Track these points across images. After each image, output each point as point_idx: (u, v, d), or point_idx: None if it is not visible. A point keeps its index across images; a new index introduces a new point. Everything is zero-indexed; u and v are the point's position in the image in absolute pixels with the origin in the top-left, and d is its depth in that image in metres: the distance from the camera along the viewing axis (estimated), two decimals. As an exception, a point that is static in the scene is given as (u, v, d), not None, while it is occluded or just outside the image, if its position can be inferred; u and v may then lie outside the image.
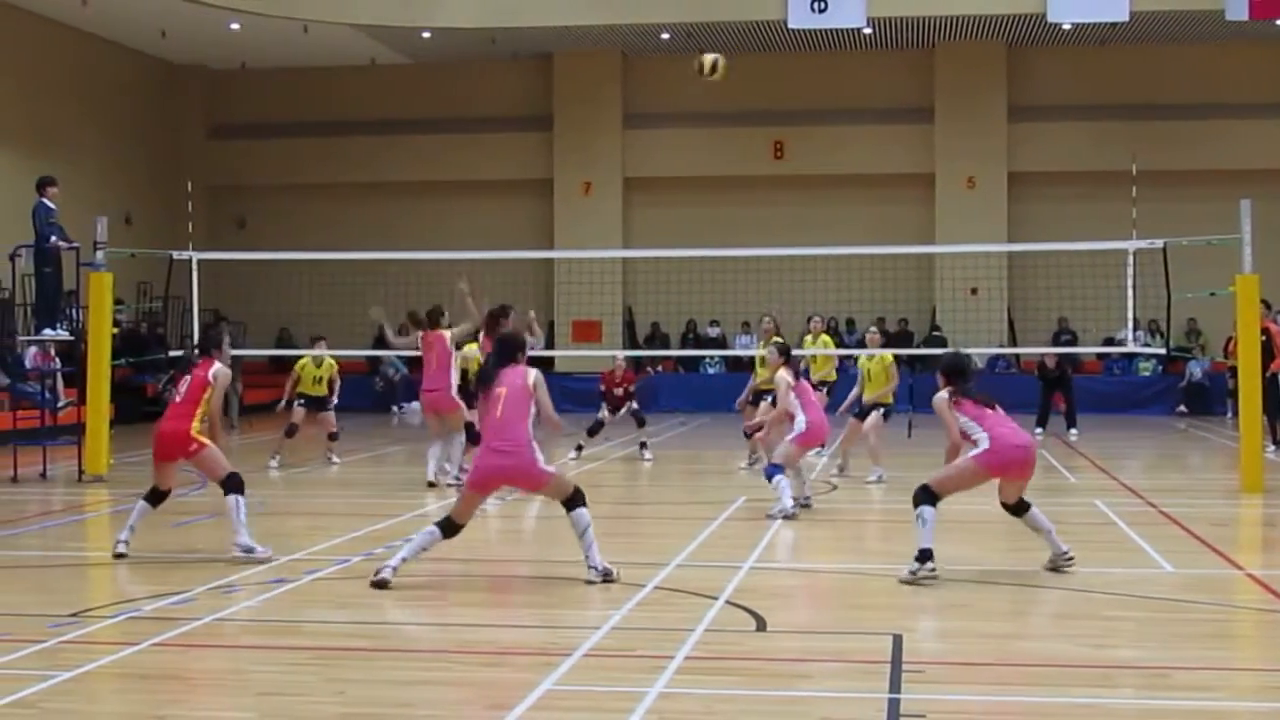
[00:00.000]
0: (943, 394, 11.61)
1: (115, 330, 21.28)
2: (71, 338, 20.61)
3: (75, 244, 19.50)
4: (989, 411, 11.47)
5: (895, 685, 7.90)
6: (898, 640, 8.90)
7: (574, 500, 11.15)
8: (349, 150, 36.88)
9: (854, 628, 9.66)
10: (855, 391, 18.98)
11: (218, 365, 12.44)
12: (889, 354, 19.39)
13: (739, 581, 11.00)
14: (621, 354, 25.36)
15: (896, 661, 8.41)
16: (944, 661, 8.53)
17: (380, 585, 10.60)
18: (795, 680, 8.29)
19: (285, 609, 10.24)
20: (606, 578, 10.90)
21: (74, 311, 21.22)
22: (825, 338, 22.08)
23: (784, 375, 15.54)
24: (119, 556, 12.16)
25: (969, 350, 31.84)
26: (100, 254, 19.35)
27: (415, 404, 22.23)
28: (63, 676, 8.04)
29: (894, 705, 7.51)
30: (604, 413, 22.20)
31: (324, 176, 37.02)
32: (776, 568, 11.76)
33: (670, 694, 7.72)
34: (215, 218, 36.96)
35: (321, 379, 21.35)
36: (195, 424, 12.29)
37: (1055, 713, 7.54)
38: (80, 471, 18.81)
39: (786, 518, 14.71)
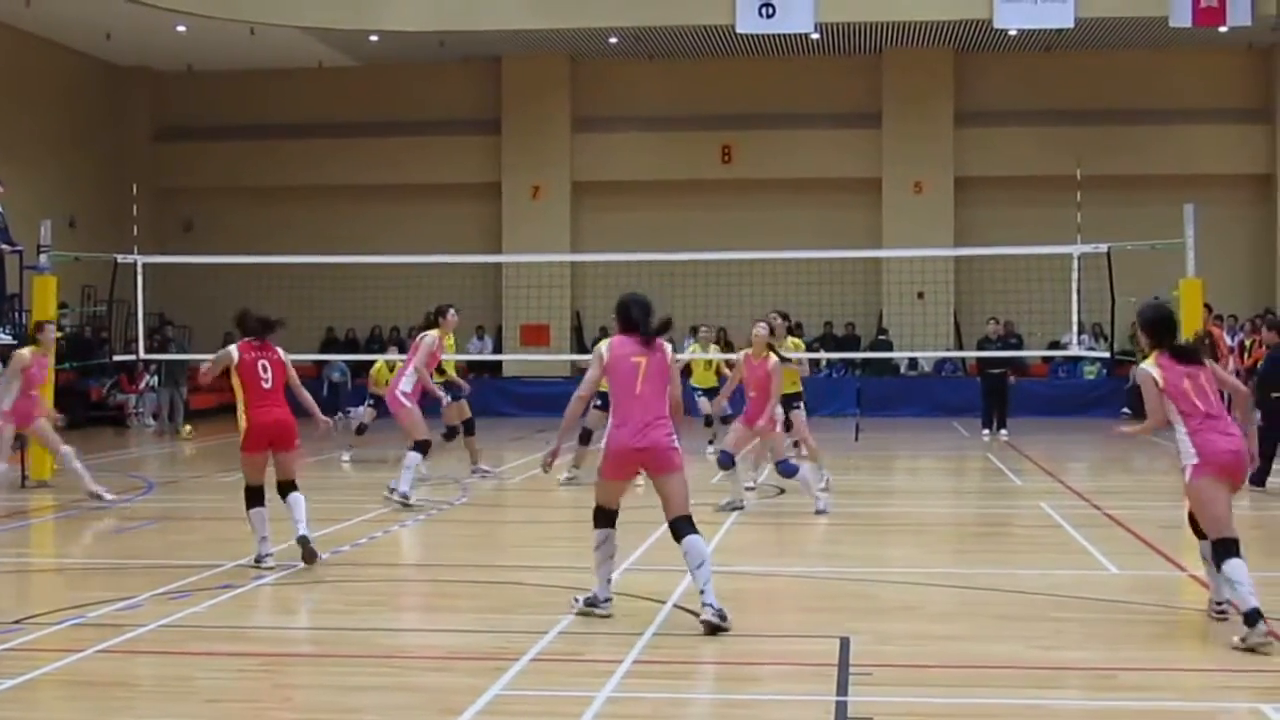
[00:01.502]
0: (1150, 368, 9.57)
1: (59, 334, 21.13)
2: (15, 341, 20.43)
3: (19, 247, 19.35)
4: (1197, 403, 9.37)
5: (843, 688, 7.94)
6: (845, 643, 8.94)
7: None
8: (297, 153, 36.71)
9: (802, 631, 9.68)
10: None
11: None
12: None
13: (688, 586, 10.99)
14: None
15: (844, 664, 8.45)
16: (891, 664, 8.56)
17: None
18: (744, 684, 8.32)
19: (232, 615, 10.19)
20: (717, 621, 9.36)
21: (18, 315, 21.04)
22: (793, 340, 19.23)
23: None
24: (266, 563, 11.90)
25: (916, 354, 32.39)
26: (44, 257, 19.23)
27: (362, 409, 22.46)
28: (6, 684, 7.98)
29: (841, 708, 7.54)
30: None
31: (272, 180, 36.85)
32: (725, 571, 11.75)
33: (619, 698, 7.74)
34: (161, 221, 36.70)
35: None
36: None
37: (1002, 714, 7.59)
38: (24, 477, 18.65)
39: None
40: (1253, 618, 8.78)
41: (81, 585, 11.45)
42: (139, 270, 21.36)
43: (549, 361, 32.67)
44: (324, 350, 33.94)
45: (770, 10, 30.42)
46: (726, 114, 35.62)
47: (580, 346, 35.10)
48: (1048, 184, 33.20)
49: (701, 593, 9.46)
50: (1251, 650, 8.74)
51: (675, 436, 9.82)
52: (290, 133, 36.77)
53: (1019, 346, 30.45)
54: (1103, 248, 19.30)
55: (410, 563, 12.33)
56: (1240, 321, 31.03)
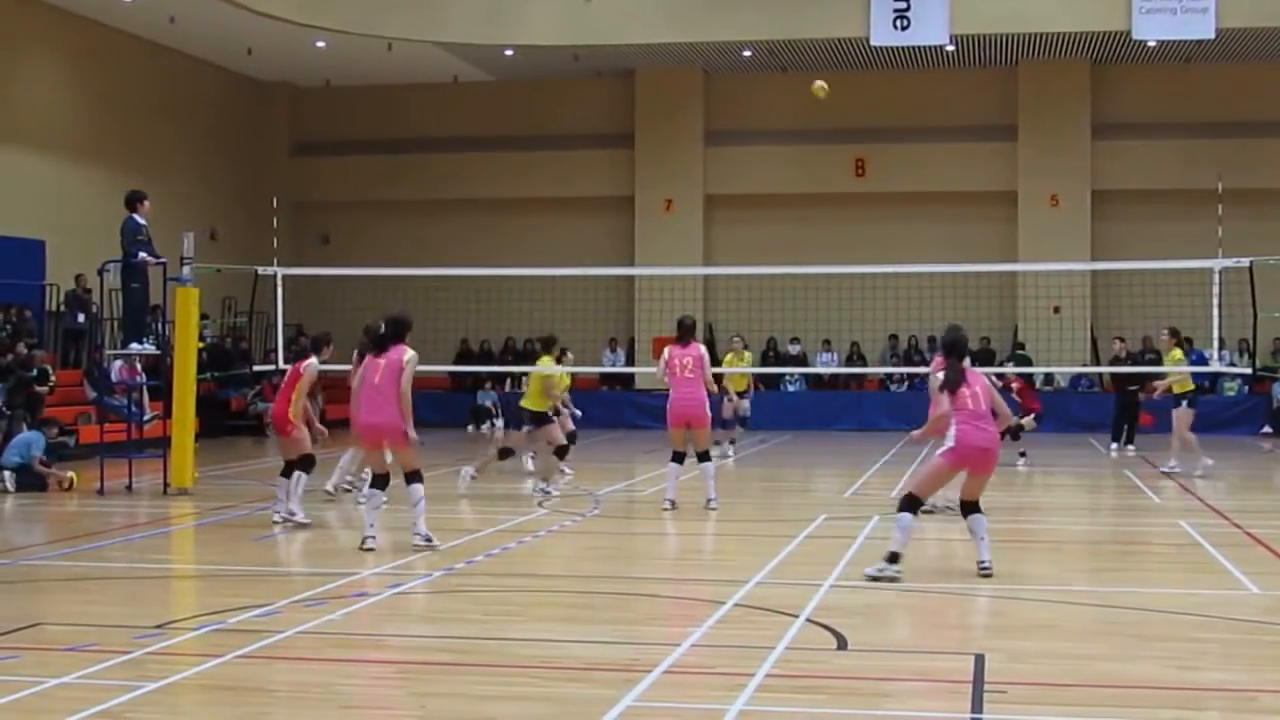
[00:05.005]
0: (938, 374, 12.40)
1: (201, 345, 21.51)
2: (157, 352, 20.84)
3: (163, 259, 19.72)
4: (968, 407, 12.02)
5: (978, 705, 7.85)
6: (980, 660, 8.85)
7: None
8: (431, 167, 37.12)
9: (936, 647, 9.60)
10: None
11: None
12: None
13: (820, 599, 10.98)
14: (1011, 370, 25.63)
15: (979, 681, 8.36)
16: (1027, 682, 8.46)
17: None
18: (876, 699, 8.26)
19: (368, 623, 10.31)
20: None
21: (160, 326, 21.46)
22: (1176, 352, 22.31)
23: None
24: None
25: (1052, 369, 31.96)
26: (187, 269, 19.57)
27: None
28: (149, 687, 8.13)
29: (977, 726, 7.47)
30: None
31: (407, 193, 37.28)
32: (857, 586, 11.70)
33: (751, 712, 7.71)
34: (299, 234, 37.31)
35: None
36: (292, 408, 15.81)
37: (1140, 735, 7.47)
38: (165, 484, 19.01)
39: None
40: (894, 559, 11.70)
41: (220, 591, 11.66)
42: (279, 282, 21.70)
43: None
44: (458, 362, 34.27)
45: (905, 22, 30.28)
46: (860, 127, 35.43)
47: (713, 359, 35.02)
48: (1187, 197, 32.68)
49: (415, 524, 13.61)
50: (875, 579, 11.60)
51: (403, 418, 13.34)
52: (425, 146, 37.19)
53: (1157, 362, 29.98)
54: (1245, 262, 18.95)
55: (544, 573, 12.38)
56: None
